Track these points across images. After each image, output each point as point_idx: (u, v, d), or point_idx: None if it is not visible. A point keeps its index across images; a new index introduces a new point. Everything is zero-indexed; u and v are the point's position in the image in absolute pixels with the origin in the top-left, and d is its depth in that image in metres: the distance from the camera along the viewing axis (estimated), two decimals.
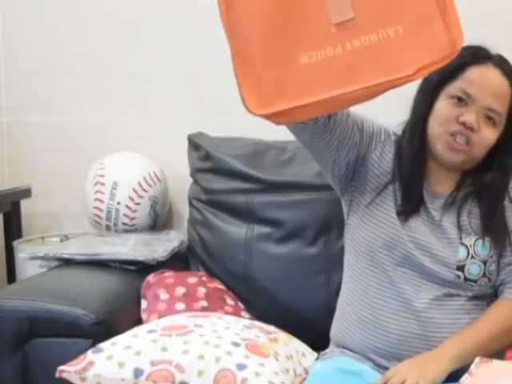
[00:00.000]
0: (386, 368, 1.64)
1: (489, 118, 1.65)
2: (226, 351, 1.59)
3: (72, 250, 2.19)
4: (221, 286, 2.16)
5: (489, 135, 1.66)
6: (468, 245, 1.65)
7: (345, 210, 1.80)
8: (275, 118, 1.43)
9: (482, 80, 1.65)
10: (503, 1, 2.37)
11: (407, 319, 1.64)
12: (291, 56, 1.36)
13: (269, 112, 1.39)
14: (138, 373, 1.56)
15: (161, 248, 2.19)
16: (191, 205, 2.37)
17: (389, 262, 1.67)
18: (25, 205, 2.60)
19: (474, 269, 1.65)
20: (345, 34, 1.32)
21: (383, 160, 1.74)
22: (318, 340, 1.87)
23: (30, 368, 1.81)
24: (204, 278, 2.14)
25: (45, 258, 2.17)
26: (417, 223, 1.68)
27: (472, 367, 1.49)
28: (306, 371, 1.69)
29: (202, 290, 2.07)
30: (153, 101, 2.59)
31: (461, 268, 1.64)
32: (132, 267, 2.11)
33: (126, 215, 2.39)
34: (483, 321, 1.64)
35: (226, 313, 2.03)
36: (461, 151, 1.65)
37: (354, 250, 1.74)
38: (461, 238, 1.66)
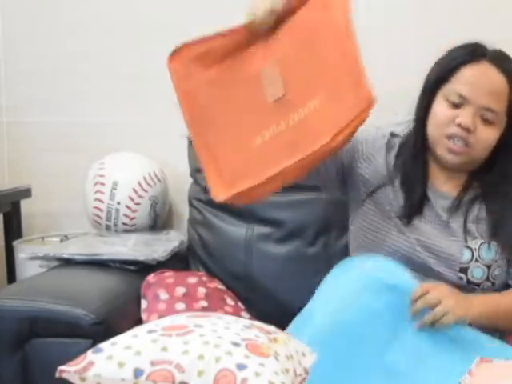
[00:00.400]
0: None
1: (486, 118, 1.63)
2: (226, 351, 1.59)
3: (72, 249, 2.19)
4: (221, 286, 2.16)
5: (487, 135, 1.64)
6: (473, 248, 1.64)
7: (350, 212, 1.78)
8: (237, 199, 1.53)
9: (475, 79, 1.63)
10: None
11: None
12: (247, 140, 1.49)
13: (230, 194, 1.49)
14: (138, 373, 1.56)
15: (161, 248, 2.19)
16: (191, 205, 2.37)
17: None
18: (25, 205, 2.60)
19: (477, 272, 1.64)
20: (283, 110, 1.43)
21: (373, 165, 1.72)
22: None
23: (30, 368, 1.81)
24: (204, 278, 2.14)
25: (45, 257, 2.17)
26: (420, 224, 1.67)
27: (472, 367, 1.48)
28: (306, 371, 1.68)
29: (201, 290, 2.07)
30: (153, 101, 2.59)
31: (464, 270, 1.63)
32: (132, 267, 2.11)
33: (126, 215, 2.39)
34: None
35: (226, 313, 2.03)
36: (460, 153, 1.64)
37: (357, 253, 1.73)
38: (466, 241, 1.64)
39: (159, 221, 2.48)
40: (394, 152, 1.75)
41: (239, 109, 1.53)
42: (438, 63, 1.69)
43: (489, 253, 1.64)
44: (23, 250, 2.33)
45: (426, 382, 1.46)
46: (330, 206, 2.13)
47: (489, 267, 1.64)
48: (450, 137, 1.63)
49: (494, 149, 1.66)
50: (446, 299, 1.50)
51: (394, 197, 1.70)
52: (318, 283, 2.15)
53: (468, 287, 1.64)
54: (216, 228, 2.29)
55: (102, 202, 2.39)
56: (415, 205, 1.67)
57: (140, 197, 2.39)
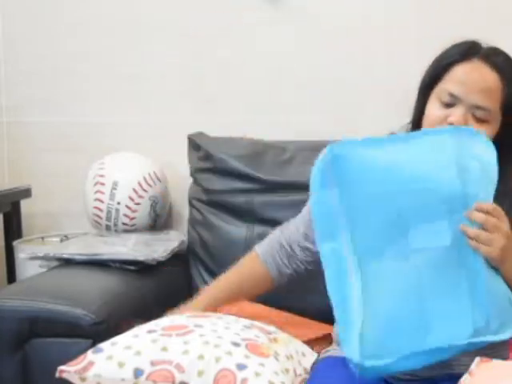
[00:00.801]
0: None
1: (478, 116, 1.61)
2: (226, 351, 1.59)
3: (72, 249, 2.19)
4: None
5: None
6: None
7: None
8: None
9: (466, 78, 1.61)
10: None
11: None
12: None
13: None
14: (138, 373, 1.56)
15: (161, 248, 2.19)
16: (191, 205, 2.37)
17: None
18: (25, 205, 2.60)
19: None
20: None
21: None
22: None
23: (30, 368, 1.81)
24: None
25: (45, 257, 2.17)
26: None
27: (472, 367, 1.48)
28: (306, 371, 1.69)
29: None
30: (153, 101, 2.59)
31: None
32: (132, 267, 2.11)
33: (126, 215, 2.39)
34: None
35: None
36: None
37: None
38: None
39: (159, 221, 2.48)
40: None
41: None
42: (432, 63, 1.68)
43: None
44: (23, 250, 2.33)
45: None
46: None
47: None
48: None
49: None
50: (501, 236, 1.48)
51: None
52: (318, 283, 2.15)
53: None
54: (216, 228, 2.29)
55: (102, 202, 2.39)
56: None
57: (140, 197, 2.39)
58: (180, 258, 2.31)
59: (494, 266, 1.50)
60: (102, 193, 2.39)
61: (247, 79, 2.53)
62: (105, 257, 2.12)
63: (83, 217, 2.49)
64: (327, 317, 1.84)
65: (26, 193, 2.58)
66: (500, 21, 2.35)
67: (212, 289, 1.87)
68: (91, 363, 1.59)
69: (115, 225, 2.40)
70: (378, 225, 1.44)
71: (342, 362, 1.67)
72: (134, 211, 2.39)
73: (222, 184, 2.28)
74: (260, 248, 1.85)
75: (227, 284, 1.85)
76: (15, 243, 2.50)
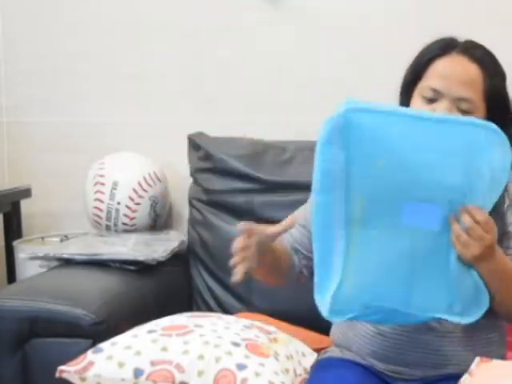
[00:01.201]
0: (384, 370, 1.63)
1: (463, 108, 1.60)
2: (226, 351, 1.59)
3: (72, 249, 2.19)
4: None
5: None
6: None
7: None
8: None
9: (446, 71, 1.61)
10: None
11: (404, 325, 1.62)
12: None
13: None
14: (138, 373, 1.56)
15: (161, 248, 2.19)
16: (191, 205, 2.37)
17: None
18: (25, 205, 2.60)
19: None
20: None
21: None
22: None
23: (30, 368, 1.81)
24: None
25: (45, 258, 2.17)
26: None
27: (472, 367, 1.48)
28: (306, 371, 1.69)
29: None
30: (153, 101, 2.59)
31: None
32: (132, 267, 2.11)
33: (126, 215, 2.39)
34: None
35: None
36: None
37: None
38: None
39: (159, 221, 2.48)
40: None
41: None
42: (412, 61, 1.68)
43: None
44: (23, 250, 2.33)
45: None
46: None
47: None
48: None
49: None
50: (480, 246, 1.46)
51: None
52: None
53: None
54: (216, 228, 2.29)
55: (102, 202, 2.39)
56: None
57: (140, 197, 2.39)
58: (180, 258, 2.31)
59: None
60: (102, 193, 2.39)
61: (247, 79, 2.53)
62: (105, 257, 2.12)
63: (83, 217, 2.49)
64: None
65: (26, 193, 2.58)
66: (500, 21, 2.35)
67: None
68: (91, 363, 1.59)
69: (115, 225, 2.40)
70: (375, 196, 1.44)
71: (342, 362, 1.67)
72: (134, 211, 2.39)
73: (222, 184, 2.28)
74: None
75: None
76: (15, 243, 2.50)
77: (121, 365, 1.58)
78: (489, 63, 1.63)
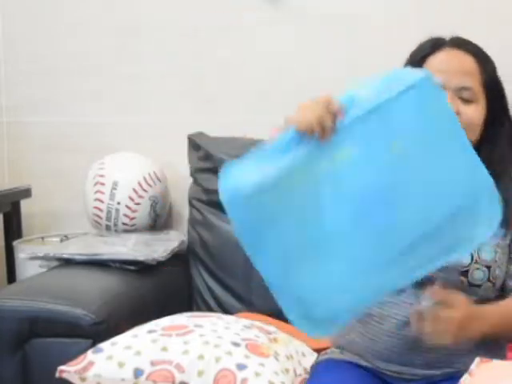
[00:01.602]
0: (386, 371, 1.63)
1: (465, 97, 1.62)
2: (226, 351, 1.59)
3: (72, 249, 2.19)
4: None
5: (472, 113, 1.61)
6: (472, 250, 1.62)
7: None
8: None
9: (443, 65, 1.63)
10: None
11: (408, 324, 1.62)
12: None
13: None
14: (138, 373, 1.56)
15: (161, 248, 2.20)
16: (191, 205, 2.37)
17: None
18: (25, 205, 2.60)
19: (477, 274, 1.62)
20: None
21: None
22: None
23: (30, 368, 1.81)
24: None
25: (45, 257, 2.17)
26: None
27: (472, 367, 1.48)
28: (306, 371, 1.69)
29: None
30: (153, 101, 2.59)
31: (464, 273, 1.62)
32: (132, 267, 2.11)
33: (126, 215, 2.39)
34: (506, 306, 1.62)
35: None
36: None
37: None
38: None
39: (159, 221, 2.48)
40: None
41: None
42: (405, 63, 1.70)
43: (488, 254, 1.63)
44: (23, 250, 2.33)
45: None
46: None
47: (489, 268, 1.63)
48: None
49: (482, 132, 1.65)
50: (450, 328, 1.49)
51: None
52: None
53: (469, 290, 1.63)
54: (216, 228, 2.29)
55: (102, 202, 2.39)
56: None
57: (140, 197, 2.39)
58: (180, 258, 2.31)
59: None
60: (102, 193, 2.39)
61: (247, 79, 2.53)
62: (105, 257, 2.12)
63: (83, 217, 2.49)
64: None
65: (26, 193, 2.58)
66: (500, 21, 2.34)
67: None
68: (91, 363, 1.59)
69: (115, 225, 2.40)
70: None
71: (342, 364, 1.67)
72: (134, 211, 2.39)
73: None
74: None
75: None
76: (15, 243, 2.50)
77: (121, 365, 1.58)
78: (481, 54, 1.66)
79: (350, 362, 1.67)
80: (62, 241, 2.52)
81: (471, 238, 1.41)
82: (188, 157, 2.40)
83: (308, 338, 1.89)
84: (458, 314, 1.49)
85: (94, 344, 1.70)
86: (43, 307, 1.82)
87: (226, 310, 2.20)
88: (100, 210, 2.40)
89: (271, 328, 1.78)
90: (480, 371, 1.46)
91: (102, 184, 2.39)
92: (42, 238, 2.60)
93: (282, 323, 2.02)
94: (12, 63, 2.67)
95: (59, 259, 2.16)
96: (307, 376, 1.66)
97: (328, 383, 1.60)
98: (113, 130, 2.62)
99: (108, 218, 2.39)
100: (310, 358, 1.75)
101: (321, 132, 1.33)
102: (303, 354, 1.74)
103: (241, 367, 1.56)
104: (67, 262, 2.15)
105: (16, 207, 2.57)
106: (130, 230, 2.40)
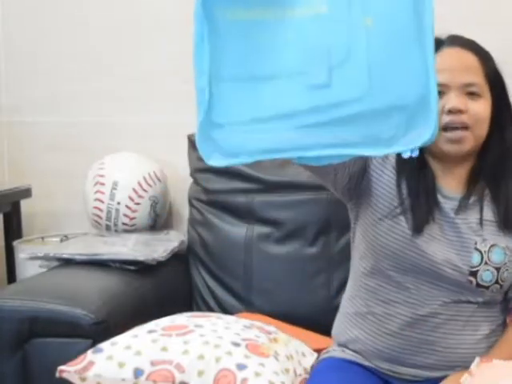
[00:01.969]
0: (387, 371, 1.63)
1: (471, 94, 1.62)
2: (226, 351, 1.59)
3: (72, 249, 2.19)
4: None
5: (480, 108, 1.61)
6: (482, 251, 1.62)
7: (351, 216, 1.76)
8: None
9: (445, 65, 1.62)
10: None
11: (412, 324, 1.62)
12: None
13: None
14: (138, 373, 1.56)
15: (161, 248, 2.19)
16: (191, 205, 2.37)
17: (396, 268, 1.63)
18: (25, 205, 2.60)
19: (486, 275, 1.62)
20: None
21: (386, 165, 1.70)
22: None
23: (30, 368, 1.81)
24: None
25: (45, 257, 2.17)
26: (429, 228, 1.64)
27: (472, 367, 1.48)
28: (306, 371, 1.69)
29: None
30: (153, 101, 2.59)
31: (473, 274, 1.62)
32: (132, 267, 2.11)
33: (126, 215, 2.39)
34: (507, 342, 1.64)
35: None
36: (464, 139, 1.61)
37: (359, 254, 1.71)
38: (476, 244, 1.63)
39: (159, 221, 2.48)
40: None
41: None
42: None
43: (498, 256, 1.63)
44: (23, 250, 2.33)
45: None
46: (330, 205, 2.13)
47: (498, 270, 1.63)
48: (445, 128, 1.61)
49: (489, 130, 1.65)
50: None
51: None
52: (318, 283, 2.16)
53: (477, 291, 1.63)
54: (216, 228, 2.29)
55: (102, 202, 2.39)
56: (424, 214, 1.64)
57: (140, 197, 2.39)
58: (180, 258, 2.31)
59: None
60: (102, 193, 2.39)
61: None
62: (105, 257, 2.12)
63: (83, 217, 2.49)
64: (327, 316, 1.85)
65: (26, 193, 2.58)
66: (500, 21, 2.34)
67: None
68: (91, 363, 1.59)
69: (115, 225, 2.40)
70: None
71: (343, 363, 1.67)
72: (134, 211, 2.39)
73: (222, 184, 2.28)
74: None
75: None
76: (15, 243, 2.50)
77: (121, 365, 1.58)
78: (481, 50, 1.67)
79: (352, 362, 1.67)
80: (62, 241, 2.52)
81: (391, 142, 1.31)
82: (188, 157, 2.40)
83: (308, 338, 1.89)
84: None
85: (94, 344, 1.70)
86: (43, 307, 1.82)
87: (225, 310, 2.20)
88: (100, 210, 2.40)
89: (271, 328, 1.78)
90: (480, 371, 1.46)
91: (102, 184, 2.39)
92: (42, 237, 2.60)
93: (281, 323, 2.02)
94: (12, 63, 2.67)
95: (59, 259, 2.16)
96: (307, 376, 1.66)
97: (329, 383, 1.60)
98: (113, 129, 2.62)
99: (108, 218, 2.39)
100: (310, 358, 1.75)
101: None
102: (303, 354, 1.74)
103: (241, 367, 1.56)
104: (67, 262, 2.15)
105: (16, 207, 2.57)
106: (130, 230, 2.40)
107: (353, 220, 1.74)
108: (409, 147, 1.29)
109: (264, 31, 1.37)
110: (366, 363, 1.66)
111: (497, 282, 1.62)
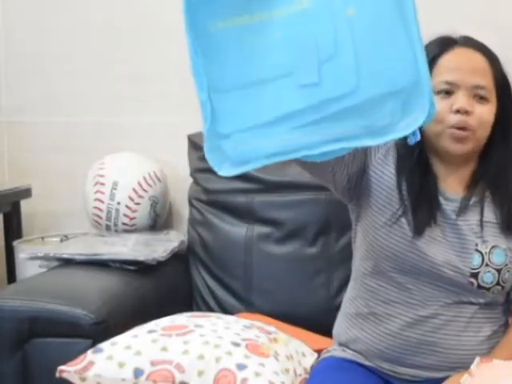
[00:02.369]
0: (388, 371, 1.63)
1: (480, 96, 1.62)
2: (226, 351, 1.59)
3: (72, 249, 2.19)
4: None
5: (485, 112, 1.62)
6: (483, 252, 1.62)
7: (352, 217, 1.76)
8: None
9: (455, 64, 1.63)
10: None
11: (413, 325, 1.62)
12: None
13: None
14: (138, 373, 1.56)
15: (161, 248, 2.19)
16: (191, 205, 2.37)
17: (396, 269, 1.63)
18: (25, 205, 2.60)
19: (487, 277, 1.62)
20: None
21: (386, 166, 1.70)
22: None
23: (30, 368, 1.81)
24: None
25: (45, 257, 2.17)
26: (429, 230, 1.64)
27: (472, 367, 1.48)
28: (306, 371, 1.69)
29: None
30: (153, 101, 2.59)
31: (474, 275, 1.62)
32: (132, 267, 2.11)
33: (126, 215, 2.39)
34: (509, 342, 1.64)
35: None
36: (467, 139, 1.61)
37: (360, 254, 1.71)
38: (476, 245, 1.63)
39: (159, 221, 2.48)
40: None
41: None
42: None
43: (499, 257, 1.63)
44: (23, 250, 2.33)
45: None
46: (330, 206, 2.13)
47: (499, 271, 1.63)
48: (451, 127, 1.61)
49: (492, 131, 1.65)
50: None
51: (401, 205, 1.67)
52: (318, 283, 2.16)
53: (478, 292, 1.63)
54: (216, 228, 2.29)
55: (102, 202, 2.39)
56: (426, 217, 1.64)
57: (140, 197, 2.39)
58: (180, 258, 2.31)
59: None
60: (102, 193, 2.39)
61: None
62: (105, 257, 2.12)
63: (83, 217, 2.49)
64: (328, 316, 1.86)
65: (26, 193, 2.58)
66: (500, 21, 2.34)
67: None
68: (91, 363, 1.59)
69: (115, 225, 2.40)
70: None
71: (343, 362, 1.67)
72: (134, 211, 2.39)
73: (222, 184, 2.28)
74: None
75: None
76: (15, 243, 2.50)
77: (121, 365, 1.58)
78: (489, 52, 1.67)
79: (352, 361, 1.67)
80: (62, 241, 2.52)
81: (389, 129, 1.33)
82: (188, 157, 2.40)
83: (308, 338, 1.89)
84: None
85: (93, 344, 1.70)
86: (43, 307, 1.82)
87: (225, 310, 2.20)
88: (100, 210, 2.40)
89: (271, 328, 1.78)
90: (480, 371, 1.46)
91: (102, 184, 2.39)
92: (42, 237, 2.60)
93: (281, 323, 2.02)
94: (12, 63, 2.67)
95: (59, 259, 2.16)
96: (307, 376, 1.66)
97: (329, 383, 1.60)
98: (113, 129, 2.62)
99: (108, 218, 2.39)
100: (310, 358, 1.75)
101: None
102: (303, 354, 1.74)
103: (241, 367, 1.56)
104: (67, 262, 2.15)
105: (16, 207, 2.57)
106: (130, 230, 2.40)
107: (354, 221, 1.74)
108: (407, 131, 1.30)
109: (254, 36, 1.38)
110: (367, 363, 1.66)
111: (498, 284, 1.62)
